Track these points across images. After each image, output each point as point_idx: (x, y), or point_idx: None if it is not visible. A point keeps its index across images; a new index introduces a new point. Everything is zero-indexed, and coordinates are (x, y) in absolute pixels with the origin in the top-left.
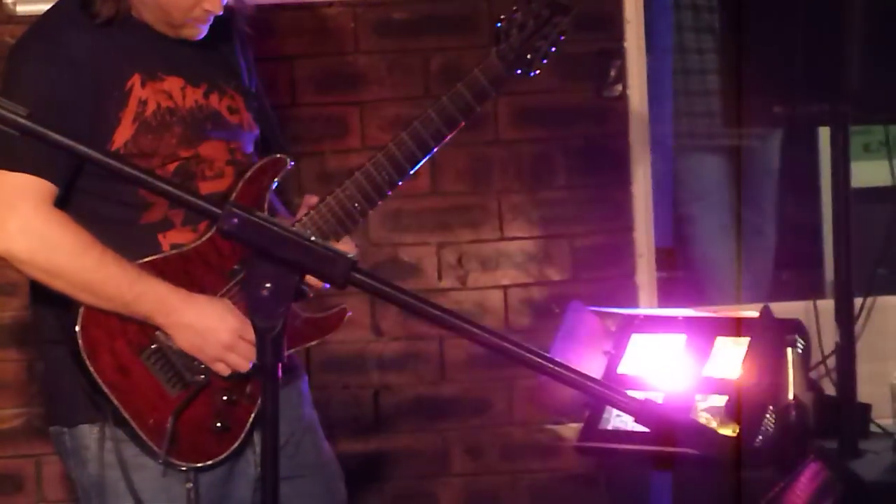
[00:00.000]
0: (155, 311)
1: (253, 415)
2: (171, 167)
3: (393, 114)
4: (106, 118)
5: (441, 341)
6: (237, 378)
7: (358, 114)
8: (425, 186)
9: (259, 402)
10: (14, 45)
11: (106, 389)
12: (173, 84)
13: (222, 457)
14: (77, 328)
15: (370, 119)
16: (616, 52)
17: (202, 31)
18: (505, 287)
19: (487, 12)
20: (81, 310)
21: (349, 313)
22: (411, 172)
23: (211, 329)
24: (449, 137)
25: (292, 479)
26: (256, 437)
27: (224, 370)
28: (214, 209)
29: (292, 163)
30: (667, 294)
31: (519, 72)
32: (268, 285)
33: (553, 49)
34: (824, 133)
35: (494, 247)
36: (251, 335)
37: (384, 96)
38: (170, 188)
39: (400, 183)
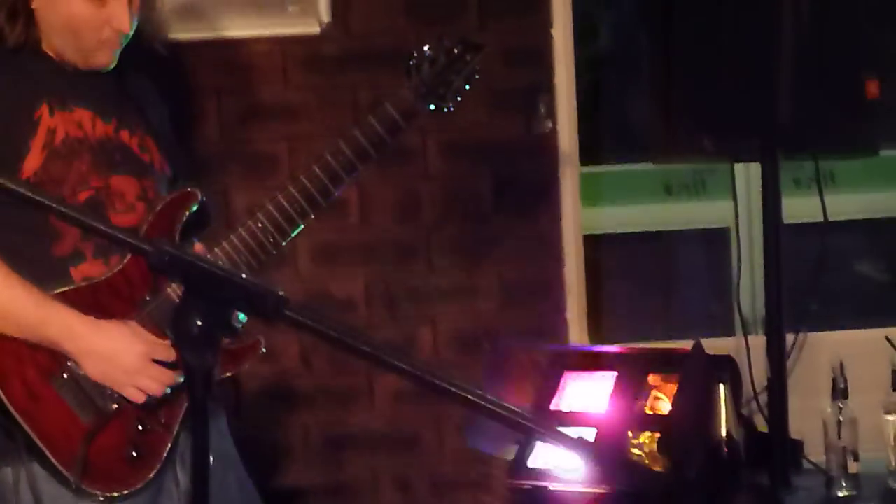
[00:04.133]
0: (61, 336)
1: (168, 445)
2: (83, 196)
3: (323, 147)
4: (15, 146)
5: (370, 376)
6: (151, 406)
7: (287, 149)
8: (355, 220)
9: (175, 431)
10: None
11: (17, 416)
12: (83, 115)
13: (138, 486)
14: None
15: (300, 154)
16: (546, 88)
17: (113, 59)
18: (434, 321)
19: (416, 47)
20: None
21: (262, 345)
22: (324, 205)
23: (118, 353)
24: (360, 170)
25: None
26: (180, 473)
27: (137, 396)
28: (145, 246)
29: (203, 198)
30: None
31: (433, 107)
32: (198, 322)
33: (467, 86)
34: (739, 169)
35: (424, 280)
36: (163, 355)
37: (314, 131)
38: (100, 225)
39: (312, 216)
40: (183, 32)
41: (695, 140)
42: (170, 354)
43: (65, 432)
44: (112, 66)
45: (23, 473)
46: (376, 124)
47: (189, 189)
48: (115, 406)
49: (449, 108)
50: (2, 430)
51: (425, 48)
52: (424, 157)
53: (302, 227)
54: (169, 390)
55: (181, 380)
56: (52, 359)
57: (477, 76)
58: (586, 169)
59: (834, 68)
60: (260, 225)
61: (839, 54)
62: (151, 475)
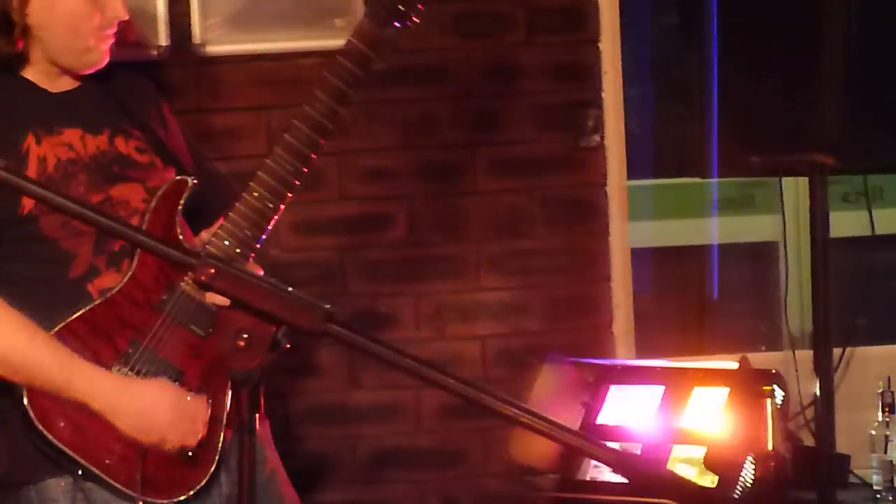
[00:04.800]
0: (88, 396)
1: (222, 435)
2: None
3: (371, 164)
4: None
5: (417, 392)
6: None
7: (336, 162)
8: (402, 237)
9: (224, 422)
10: None
11: (70, 452)
12: (72, 135)
13: (202, 483)
14: (25, 400)
15: (348, 168)
16: (593, 103)
17: (106, 56)
18: (483, 338)
19: (466, 63)
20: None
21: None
22: (312, 157)
23: (149, 412)
24: (341, 114)
25: None
26: (223, 478)
27: (172, 448)
28: (191, 260)
29: (195, 181)
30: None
31: (397, 24)
32: (244, 336)
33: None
34: (787, 183)
35: (472, 297)
36: (192, 409)
37: (361, 146)
38: (146, 239)
39: (304, 171)
40: (231, 45)
41: (742, 157)
42: (198, 406)
43: (118, 454)
44: (105, 63)
45: (77, 484)
46: (346, 62)
47: (178, 177)
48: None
49: (413, 21)
50: (52, 458)
51: None
52: (473, 173)
53: (297, 184)
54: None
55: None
56: None
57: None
58: (633, 183)
59: (880, 84)
60: (256, 194)
61: (885, 71)
62: (212, 469)
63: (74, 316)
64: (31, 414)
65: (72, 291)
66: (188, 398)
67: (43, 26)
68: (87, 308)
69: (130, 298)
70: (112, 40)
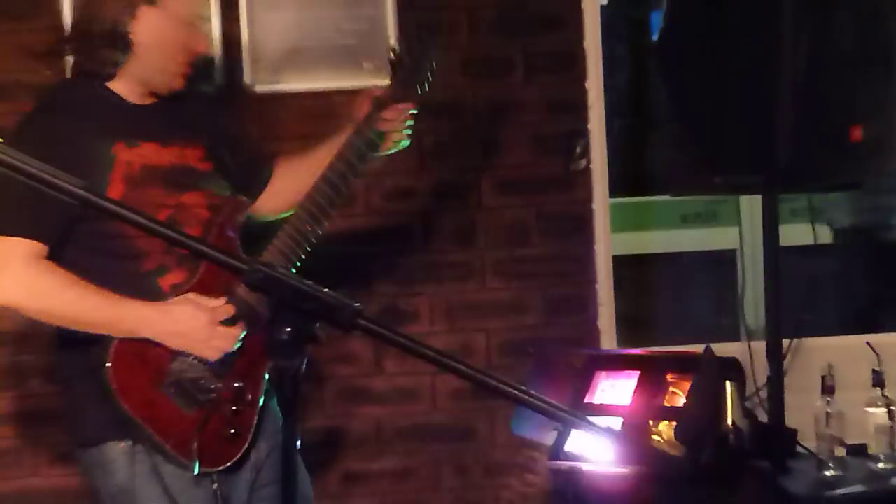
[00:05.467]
0: (137, 326)
1: (256, 418)
2: (163, 215)
3: (393, 184)
4: (95, 182)
5: (433, 377)
6: (239, 391)
7: (364, 185)
8: (420, 245)
9: (258, 406)
10: (10, 133)
11: (141, 422)
12: (149, 148)
13: (237, 457)
14: (107, 375)
15: (373, 189)
16: (581, 133)
17: (184, 81)
18: (487, 331)
19: (473, 98)
20: (109, 358)
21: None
22: (345, 192)
23: (188, 328)
24: (368, 159)
25: (273, 483)
26: (252, 451)
27: (214, 355)
28: (242, 265)
29: (250, 202)
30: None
31: (419, 91)
32: (287, 330)
33: (434, 63)
34: (744, 200)
35: (478, 296)
36: (224, 315)
37: (384, 170)
38: (207, 249)
39: (339, 202)
40: (276, 85)
41: (707, 177)
42: (229, 312)
43: (178, 427)
44: (181, 87)
45: (139, 451)
46: (375, 115)
47: (239, 198)
48: (213, 396)
49: (429, 84)
50: (117, 424)
51: (397, 45)
52: (479, 192)
53: (334, 211)
54: (238, 344)
55: (244, 332)
56: (157, 368)
57: (438, 51)
58: (615, 200)
59: (825, 115)
60: (298, 218)
61: (829, 103)
62: (247, 445)
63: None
64: (113, 388)
65: (143, 283)
66: (220, 311)
67: (147, 46)
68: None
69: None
70: (190, 69)
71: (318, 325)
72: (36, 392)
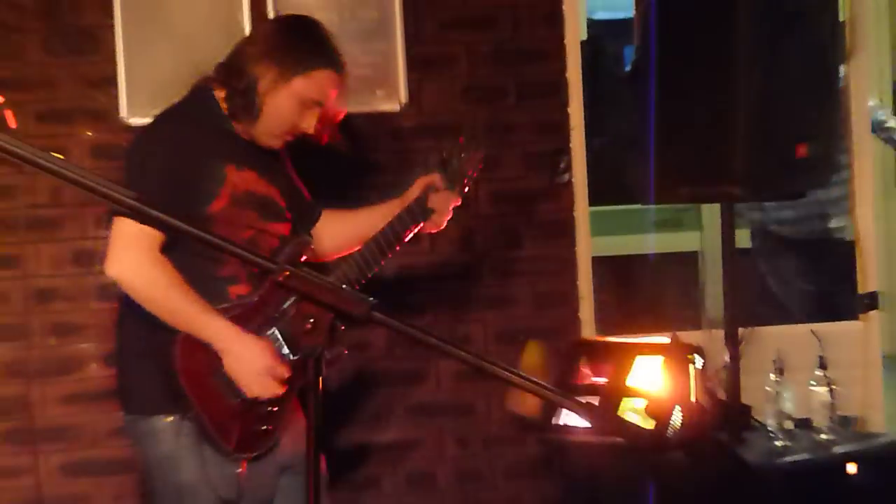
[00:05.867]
0: (213, 338)
1: (285, 419)
2: (247, 234)
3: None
4: (208, 191)
5: (437, 361)
6: (277, 399)
7: (378, 195)
8: (427, 249)
9: (287, 409)
10: (137, 140)
11: (193, 400)
12: (251, 175)
13: (265, 450)
14: (175, 359)
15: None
16: (565, 151)
17: (282, 146)
18: (484, 321)
19: (472, 121)
20: (178, 345)
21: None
22: (390, 253)
23: (249, 361)
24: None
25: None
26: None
27: (251, 393)
28: (272, 265)
29: (312, 245)
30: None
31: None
32: (311, 321)
33: (474, 174)
34: (705, 208)
35: (476, 292)
36: (278, 375)
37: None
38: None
39: (385, 258)
40: None
41: (673, 188)
42: (283, 375)
43: (222, 412)
44: (275, 148)
45: (185, 425)
46: (423, 198)
47: (305, 239)
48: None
49: (469, 188)
50: (167, 399)
51: (445, 153)
52: (478, 202)
53: (377, 267)
54: (273, 400)
55: (282, 393)
56: (215, 359)
57: (479, 167)
58: (594, 208)
59: (775, 135)
60: (349, 266)
61: (778, 124)
62: (274, 439)
63: (220, 307)
64: (178, 367)
65: (215, 286)
66: (279, 367)
67: (267, 113)
68: (228, 305)
69: (257, 310)
70: (290, 140)
71: (337, 316)
72: (93, 375)
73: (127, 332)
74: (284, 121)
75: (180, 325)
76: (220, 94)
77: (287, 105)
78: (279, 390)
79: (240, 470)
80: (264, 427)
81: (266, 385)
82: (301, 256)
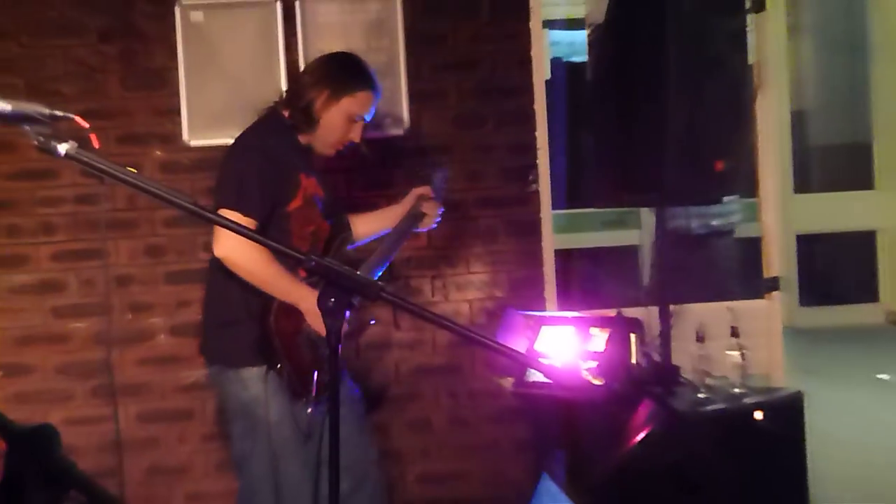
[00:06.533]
0: (299, 300)
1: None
2: (309, 228)
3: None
4: (290, 193)
5: (433, 332)
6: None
7: (386, 202)
8: (425, 244)
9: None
10: (233, 152)
11: (283, 353)
12: (313, 181)
13: (324, 394)
14: (272, 321)
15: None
16: (533, 166)
17: (333, 154)
18: (470, 301)
19: (461, 143)
20: (273, 311)
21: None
22: (398, 248)
23: (316, 313)
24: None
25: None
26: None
27: (321, 332)
28: (303, 257)
29: (351, 240)
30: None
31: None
32: (332, 300)
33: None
34: (644, 211)
35: (464, 278)
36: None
37: (401, 192)
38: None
39: (404, 241)
40: None
41: (618, 195)
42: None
43: (301, 364)
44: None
45: (270, 375)
46: (419, 209)
47: (347, 234)
48: (321, 353)
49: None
50: (257, 354)
51: (430, 170)
52: (466, 206)
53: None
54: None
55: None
56: (297, 324)
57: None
58: (556, 212)
59: (698, 152)
60: (377, 255)
61: (701, 144)
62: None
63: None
64: (273, 329)
65: (288, 268)
66: None
67: (322, 127)
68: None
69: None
70: (342, 149)
71: (353, 296)
72: (161, 343)
73: (218, 303)
74: (336, 132)
75: (275, 292)
76: (285, 113)
77: (337, 119)
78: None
79: (310, 409)
80: (326, 378)
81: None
82: (341, 250)
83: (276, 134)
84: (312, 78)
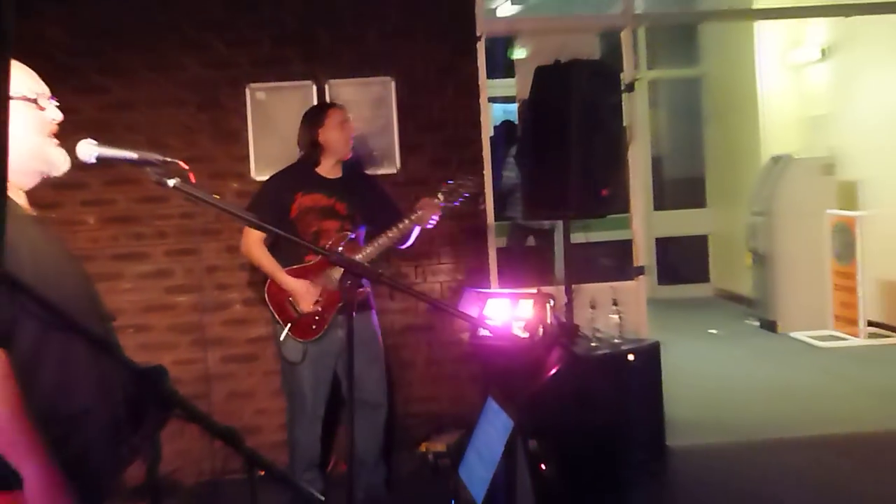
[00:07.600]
0: (286, 285)
1: (329, 320)
2: (313, 227)
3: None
4: (285, 206)
5: (416, 303)
6: (318, 312)
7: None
8: (414, 244)
9: (332, 314)
10: (262, 184)
11: (277, 316)
12: (318, 196)
13: (314, 338)
14: (265, 290)
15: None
16: (482, 193)
17: (349, 152)
18: (441, 282)
19: (434, 177)
20: (269, 286)
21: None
22: (394, 246)
23: (297, 291)
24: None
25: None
26: (340, 331)
27: (300, 306)
28: (328, 253)
29: (352, 235)
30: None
31: (456, 203)
32: (348, 282)
33: (466, 193)
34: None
35: (437, 267)
36: (308, 299)
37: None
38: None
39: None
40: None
41: (538, 211)
42: (316, 293)
43: (290, 318)
44: (349, 155)
45: (278, 329)
46: (426, 212)
47: (345, 232)
48: (308, 311)
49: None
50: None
51: (452, 182)
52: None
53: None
54: (309, 309)
55: (318, 308)
56: (286, 294)
57: (468, 194)
58: (498, 223)
59: (592, 181)
60: (389, 235)
61: (593, 174)
62: (321, 333)
63: (293, 267)
64: (267, 297)
65: (299, 254)
66: (308, 295)
67: (327, 142)
68: (299, 267)
69: (320, 265)
70: (352, 143)
71: (361, 279)
72: (237, 310)
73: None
74: (338, 140)
75: (269, 276)
76: (301, 155)
77: (332, 132)
78: (311, 307)
79: (305, 349)
80: (313, 326)
81: (307, 301)
82: (341, 242)
83: (287, 172)
84: (303, 128)
